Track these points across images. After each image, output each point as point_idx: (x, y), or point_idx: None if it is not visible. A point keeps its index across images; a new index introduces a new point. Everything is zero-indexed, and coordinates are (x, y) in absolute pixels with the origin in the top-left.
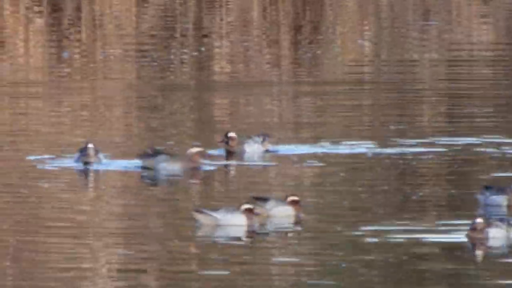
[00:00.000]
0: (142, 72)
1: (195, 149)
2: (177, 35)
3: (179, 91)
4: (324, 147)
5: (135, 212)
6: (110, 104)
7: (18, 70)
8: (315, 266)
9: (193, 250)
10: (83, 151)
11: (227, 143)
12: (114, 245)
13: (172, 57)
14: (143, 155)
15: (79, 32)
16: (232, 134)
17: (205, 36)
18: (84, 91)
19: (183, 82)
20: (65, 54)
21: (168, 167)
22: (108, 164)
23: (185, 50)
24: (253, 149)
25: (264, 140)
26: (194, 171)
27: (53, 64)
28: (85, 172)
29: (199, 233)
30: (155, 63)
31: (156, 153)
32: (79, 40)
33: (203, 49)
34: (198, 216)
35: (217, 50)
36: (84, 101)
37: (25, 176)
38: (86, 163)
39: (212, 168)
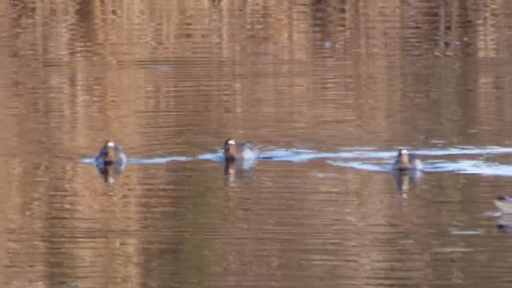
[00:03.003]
0: (405, 62)
1: None
2: (441, 22)
3: (443, 79)
4: None
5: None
6: (373, 87)
7: (281, 50)
8: None
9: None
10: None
11: (227, 150)
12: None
13: (435, 45)
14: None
15: (343, 18)
16: (231, 142)
17: (469, 22)
18: (347, 74)
19: (447, 72)
20: (327, 44)
21: None
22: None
23: (448, 38)
24: (250, 156)
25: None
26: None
27: (315, 49)
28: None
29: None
30: (419, 52)
31: None
32: (343, 24)
33: (466, 38)
34: (500, 204)
35: (481, 38)
36: (348, 85)
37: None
38: (401, 170)
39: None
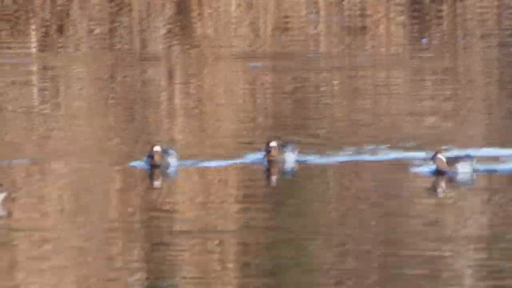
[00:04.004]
0: (502, 54)
1: None
2: None
3: None
4: None
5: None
6: (470, 81)
7: (378, 44)
8: None
9: None
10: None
11: (269, 152)
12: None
13: None
14: None
15: (440, 11)
16: (273, 143)
17: None
18: (444, 67)
19: None
20: (424, 41)
21: None
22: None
23: None
24: (292, 158)
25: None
26: None
27: (412, 42)
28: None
29: None
30: None
31: None
32: (439, 17)
33: None
34: None
35: None
36: (444, 81)
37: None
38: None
39: None
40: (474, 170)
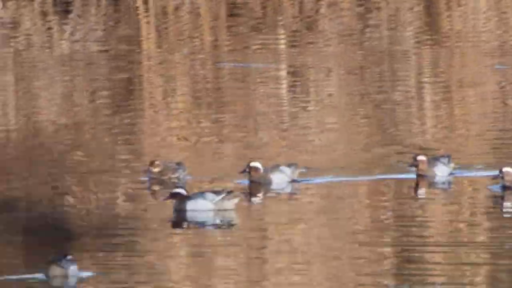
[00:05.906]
0: None
1: None
2: None
3: None
4: None
5: None
6: None
7: None
8: None
9: None
10: None
11: (416, 166)
12: None
13: None
14: None
15: None
16: (420, 157)
17: None
18: None
19: None
20: None
21: None
22: None
23: None
24: (443, 172)
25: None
26: None
27: None
28: None
29: None
30: None
31: None
32: None
33: None
34: None
35: None
36: None
37: None
38: None
39: None
40: None
